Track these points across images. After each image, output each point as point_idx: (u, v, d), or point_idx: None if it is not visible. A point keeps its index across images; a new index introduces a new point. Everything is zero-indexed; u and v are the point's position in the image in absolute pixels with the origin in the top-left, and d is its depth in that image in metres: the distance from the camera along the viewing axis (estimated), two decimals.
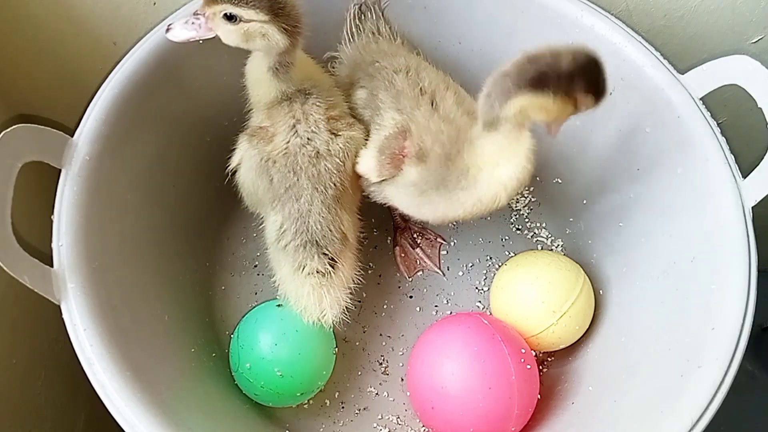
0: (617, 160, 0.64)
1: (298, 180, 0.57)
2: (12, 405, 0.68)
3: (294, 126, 0.57)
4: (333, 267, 0.58)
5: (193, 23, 0.53)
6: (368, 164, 0.58)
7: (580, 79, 0.46)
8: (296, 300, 0.59)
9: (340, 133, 0.58)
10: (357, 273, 0.61)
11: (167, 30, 0.54)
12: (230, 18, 0.52)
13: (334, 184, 0.57)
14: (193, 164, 0.68)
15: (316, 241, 0.57)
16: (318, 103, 0.58)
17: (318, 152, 0.57)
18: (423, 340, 0.62)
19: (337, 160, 0.57)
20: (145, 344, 0.54)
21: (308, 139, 0.57)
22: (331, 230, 0.57)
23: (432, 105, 0.56)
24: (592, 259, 0.69)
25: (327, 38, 0.65)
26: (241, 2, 0.51)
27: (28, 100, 0.81)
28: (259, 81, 0.57)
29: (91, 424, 0.82)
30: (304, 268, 0.57)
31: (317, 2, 0.66)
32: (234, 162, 0.59)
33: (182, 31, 0.53)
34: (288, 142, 0.57)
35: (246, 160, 0.58)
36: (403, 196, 0.57)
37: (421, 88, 0.57)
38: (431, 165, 0.54)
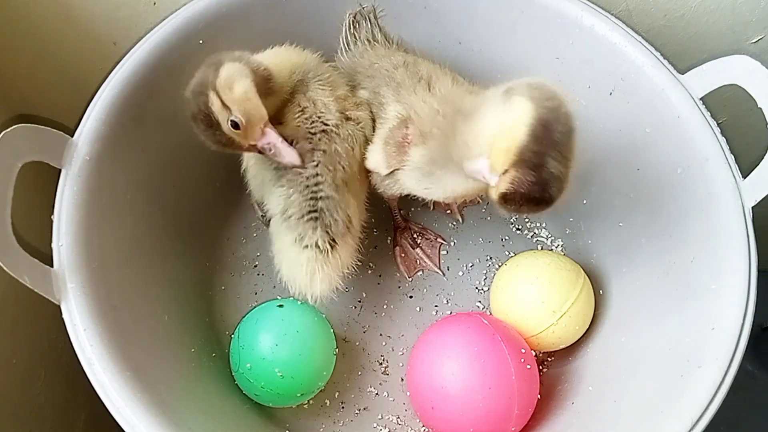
0: (617, 160, 0.64)
1: (311, 152, 0.56)
2: (12, 405, 0.68)
3: (303, 111, 0.58)
4: (332, 247, 0.57)
5: (275, 148, 0.55)
6: (376, 158, 0.58)
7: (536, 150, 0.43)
8: (288, 270, 0.58)
9: (349, 114, 0.59)
10: (354, 263, 0.60)
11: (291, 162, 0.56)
12: (234, 125, 0.52)
13: (343, 168, 0.58)
14: (193, 164, 0.68)
15: (322, 217, 0.57)
16: (321, 87, 0.58)
17: (329, 130, 0.57)
18: (423, 340, 0.62)
19: (347, 146, 0.58)
20: (145, 344, 0.54)
21: (318, 117, 0.57)
22: (337, 210, 0.57)
23: (428, 89, 0.57)
24: (592, 259, 0.69)
25: (323, 34, 0.65)
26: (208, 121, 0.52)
27: (28, 100, 0.81)
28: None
29: (91, 424, 0.82)
30: (303, 239, 0.57)
31: (316, 12, 0.66)
32: (245, 163, 0.60)
33: (288, 153, 0.55)
34: (297, 118, 0.57)
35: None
36: (412, 180, 0.58)
37: (419, 77, 0.58)
38: (432, 146, 0.54)
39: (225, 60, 0.52)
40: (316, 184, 0.56)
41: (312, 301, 0.59)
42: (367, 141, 0.61)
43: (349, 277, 0.60)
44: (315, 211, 0.56)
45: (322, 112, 0.58)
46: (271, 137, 0.54)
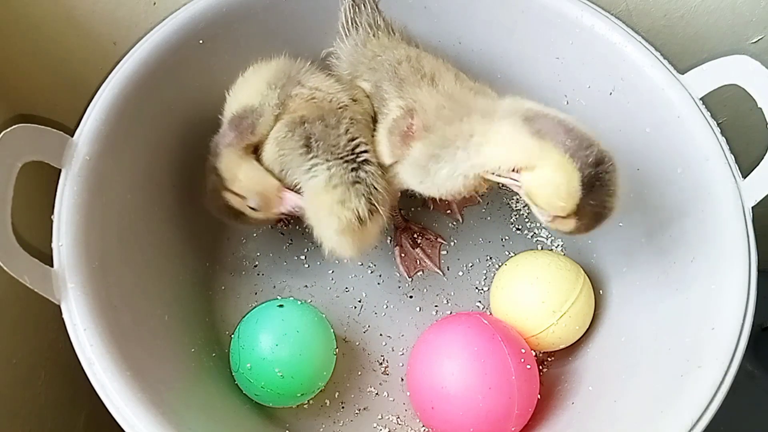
0: (617, 160, 0.64)
1: (338, 123, 0.57)
2: (12, 405, 0.68)
3: (313, 96, 0.58)
4: (370, 218, 0.56)
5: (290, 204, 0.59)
6: (380, 149, 0.58)
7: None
8: (319, 213, 0.57)
9: (353, 95, 0.60)
10: (379, 241, 0.60)
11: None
12: (253, 208, 0.58)
13: (367, 145, 0.58)
14: (193, 164, 0.68)
15: (365, 185, 0.56)
16: (315, 75, 0.60)
17: (345, 106, 0.58)
18: (423, 340, 0.62)
19: (364, 119, 0.59)
20: (145, 344, 0.54)
21: (331, 95, 0.59)
22: (377, 180, 0.56)
23: (432, 84, 0.57)
24: (592, 259, 0.69)
25: (323, 35, 0.65)
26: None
27: (28, 100, 0.81)
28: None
29: (91, 424, 0.82)
30: (348, 203, 0.55)
31: (315, 12, 0.66)
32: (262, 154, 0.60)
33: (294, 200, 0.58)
34: (313, 100, 0.58)
35: (270, 136, 0.58)
36: (408, 175, 0.58)
37: (423, 74, 0.58)
38: (433, 140, 0.55)
39: (215, 160, 0.57)
40: (354, 149, 0.56)
41: (331, 254, 0.57)
42: (374, 121, 0.61)
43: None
44: (359, 179, 0.56)
45: (331, 93, 0.59)
46: (291, 201, 0.58)
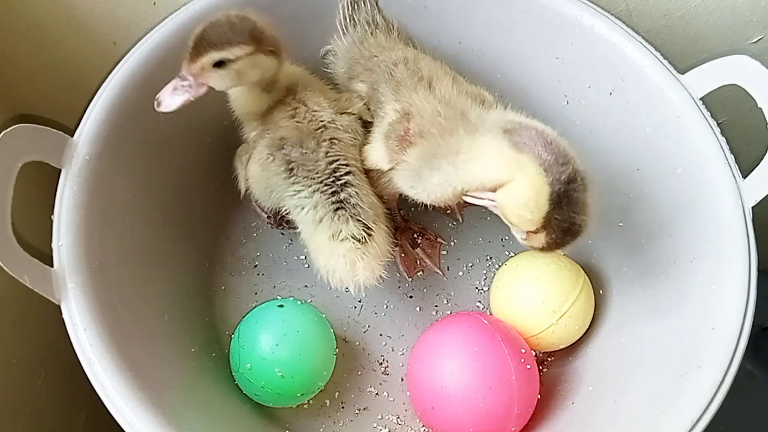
0: (617, 160, 0.64)
1: (318, 146, 0.57)
2: (12, 405, 0.68)
3: (295, 112, 0.58)
4: (369, 235, 0.56)
5: (183, 86, 0.53)
6: (378, 154, 0.58)
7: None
8: (327, 263, 0.57)
9: (343, 107, 0.60)
10: (391, 250, 0.59)
11: (157, 104, 0.52)
12: (219, 64, 0.52)
13: (353, 156, 0.58)
14: (193, 164, 0.68)
15: (349, 206, 0.56)
16: (310, 90, 0.60)
17: (326, 125, 0.58)
18: (423, 340, 0.62)
19: (349, 135, 0.59)
20: (145, 344, 0.54)
21: (313, 113, 0.58)
22: (361, 198, 0.57)
23: (429, 88, 0.57)
24: (592, 259, 0.69)
25: (323, 35, 0.65)
26: (224, 44, 0.51)
27: (28, 100, 0.81)
28: (247, 100, 0.59)
29: (91, 424, 0.82)
30: (339, 234, 0.56)
31: (314, 13, 0.66)
32: (242, 184, 0.61)
33: (174, 98, 0.52)
34: (294, 119, 0.58)
35: (254, 157, 0.58)
36: (401, 180, 0.58)
37: (420, 76, 0.58)
38: (426, 146, 0.54)
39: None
40: (334, 172, 0.57)
41: (355, 290, 0.57)
42: (366, 127, 0.61)
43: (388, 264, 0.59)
44: (341, 202, 0.56)
45: (315, 110, 0.59)
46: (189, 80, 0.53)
